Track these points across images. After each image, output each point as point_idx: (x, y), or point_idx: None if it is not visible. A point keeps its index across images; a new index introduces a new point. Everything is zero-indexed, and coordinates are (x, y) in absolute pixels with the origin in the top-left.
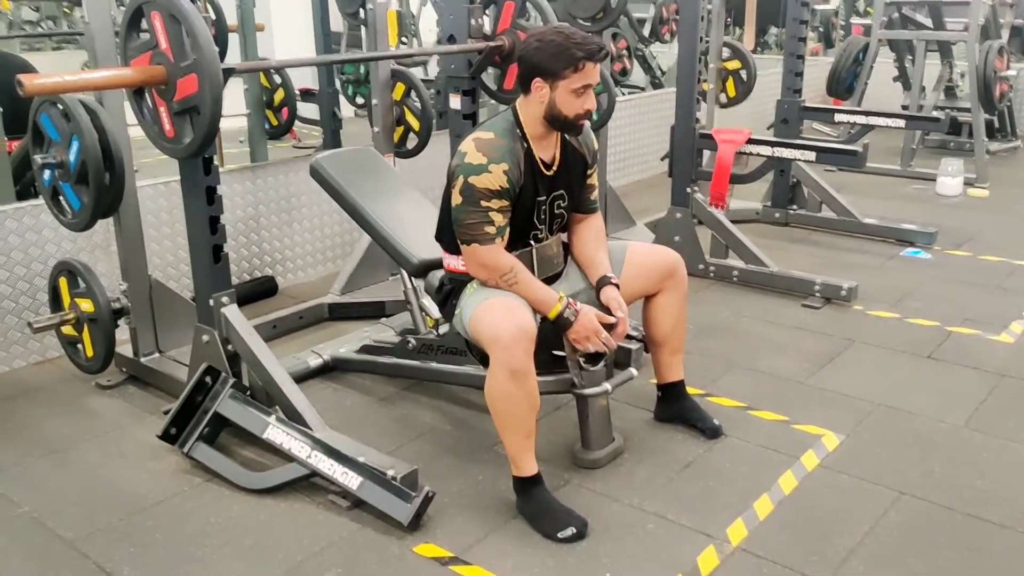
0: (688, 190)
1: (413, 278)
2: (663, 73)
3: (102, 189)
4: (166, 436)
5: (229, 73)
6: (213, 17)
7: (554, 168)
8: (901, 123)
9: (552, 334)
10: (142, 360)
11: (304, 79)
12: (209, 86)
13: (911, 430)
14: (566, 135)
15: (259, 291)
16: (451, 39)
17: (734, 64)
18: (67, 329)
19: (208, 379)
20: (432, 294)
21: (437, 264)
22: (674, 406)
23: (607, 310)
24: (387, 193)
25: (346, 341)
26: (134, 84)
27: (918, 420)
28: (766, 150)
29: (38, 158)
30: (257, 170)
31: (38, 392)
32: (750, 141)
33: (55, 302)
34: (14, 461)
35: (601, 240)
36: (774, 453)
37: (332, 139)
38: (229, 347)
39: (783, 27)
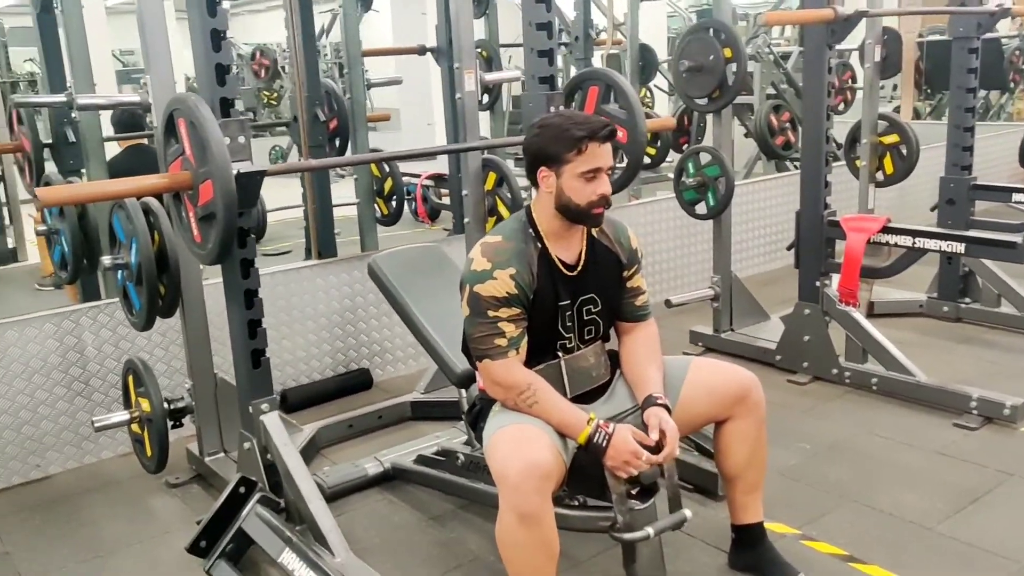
0: (818, 284)
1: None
2: (838, 146)
3: (156, 290)
4: (194, 549)
5: (259, 176)
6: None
7: (578, 269)
8: None
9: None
10: (206, 460)
11: (439, 165)
12: (222, 192)
13: None
14: (584, 226)
15: (352, 384)
16: None
17: (891, 138)
18: (135, 427)
19: (243, 489)
20: (464, 415)
21: None
22: (749, 554)
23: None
24: (445, 295)
25: (418, 446)
26: (156, 191)
27: None
28: (905, 240)
29: (107, 259)
30: (354, 260)
31: (110, 487)
32: (885, 230)
33: (127, 400)
34: (59, 564)
35: (652, 353)
36: None
37: (462, 222)
38: (268, 456)
39: None
